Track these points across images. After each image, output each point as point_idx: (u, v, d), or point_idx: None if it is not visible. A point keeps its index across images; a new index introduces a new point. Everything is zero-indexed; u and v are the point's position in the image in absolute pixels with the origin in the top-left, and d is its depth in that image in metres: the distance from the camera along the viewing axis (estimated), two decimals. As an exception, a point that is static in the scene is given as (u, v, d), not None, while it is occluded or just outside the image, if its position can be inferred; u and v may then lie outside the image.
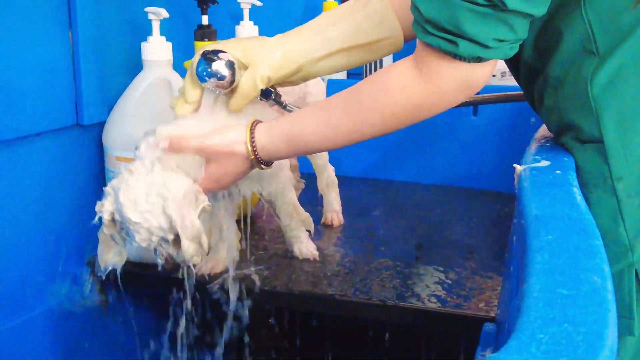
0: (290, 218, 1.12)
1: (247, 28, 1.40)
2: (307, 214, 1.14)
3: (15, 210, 1.03)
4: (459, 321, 0.99)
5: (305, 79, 0.98)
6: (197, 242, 0.89)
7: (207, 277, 1.08)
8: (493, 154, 1.49)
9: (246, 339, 1.21)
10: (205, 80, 0.92)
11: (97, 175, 1.17)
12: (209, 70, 0.92)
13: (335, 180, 1.29)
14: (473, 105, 1.27)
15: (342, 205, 1.32)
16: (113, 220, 0.91)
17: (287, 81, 0.97)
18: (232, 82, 0.93)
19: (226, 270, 1.09)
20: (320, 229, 1.27)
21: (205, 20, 1.27)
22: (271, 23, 1.50)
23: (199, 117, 0.95)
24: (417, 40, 0.78)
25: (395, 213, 1.39)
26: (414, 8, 0.75)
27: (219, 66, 0.92)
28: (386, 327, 1.35)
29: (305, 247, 1.14)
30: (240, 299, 1.09)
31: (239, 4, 1.39)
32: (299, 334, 1.40)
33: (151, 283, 1.14)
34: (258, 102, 0.99)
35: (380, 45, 0.95)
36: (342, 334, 1.40)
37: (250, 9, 1.40)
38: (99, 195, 1.16)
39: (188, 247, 0.88)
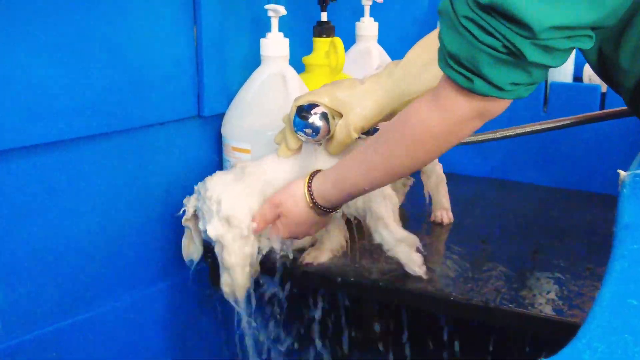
0: (381, 236, 1.05)
1: (367, 24, 1.43)
2: (407, 233, 1.05)
3: (141, 193, 1.11)
4: (575, 330, 0.96)
5: None
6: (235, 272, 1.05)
7: (305, 266, 1.12)
8: (616, 158, 1.43)
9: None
10: (303, 133, 1.02)
11: (215, 164, 1.23)
12: (305, 125, 1.02)
13: (444, 177, 1.28)
14: (583, 123, 1.22)
15: (450, 204, 1.31)
16: (195, 215, 1.05)
17: (384, 121, 1.02)
18: (328, 132, 1.02)
19: (328, 262, 1.13)
20: (427, 227, 1.27)
21: (324, 17, 1.31)
22: (391, 20, 1.52)
23: (299, 159, 1.07)
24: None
25: (508, 213, 1.36)
26: (440, 38, 0.77)
27: (314, 120, 1.01)
28: (491, 330, 1.32)
29: (408, 267, 1.05)
30: (338, 290, 1.11)
31: (359, 0, 1.41)
32: (405, 332, 1.40)
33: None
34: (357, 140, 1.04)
35: None
36: (450, 334, 1.39)
37: (371, 5, 1.42)
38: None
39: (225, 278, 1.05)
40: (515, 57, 0.71)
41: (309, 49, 1.32)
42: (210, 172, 1.21)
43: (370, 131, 1.04)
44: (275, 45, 1.17)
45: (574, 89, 1.46)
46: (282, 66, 1.18)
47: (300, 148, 1.07)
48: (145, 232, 1.13)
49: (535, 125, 1.22)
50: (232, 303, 1.08)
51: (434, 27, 1.58)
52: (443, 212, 1.29)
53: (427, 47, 0.98)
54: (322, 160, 1.05)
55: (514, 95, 0.76)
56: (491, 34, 0.71)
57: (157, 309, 1.16)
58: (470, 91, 0.76)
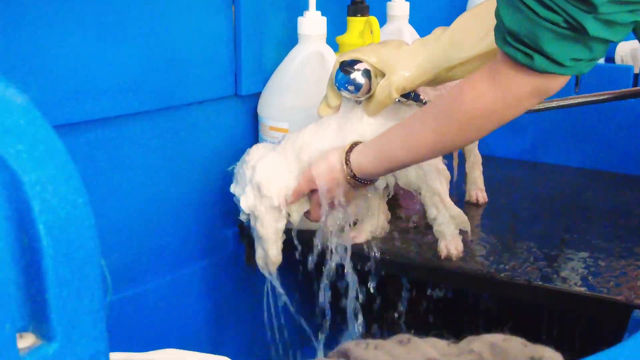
0: (437, 211, 1.05)
1: (398, 3, 1.41)
2: (460, 211, 1.06)
3: (180, 171, 1.11)
4: (608, 306, 0.96)
5: (443, 83, 1.00)
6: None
7: (347, 247, 1.12)
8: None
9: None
10: (344, 89, 1.00)
11: (251, 143, 1.22)
12: (347, 80, 0.99)
13: (480, 158, 1.28)
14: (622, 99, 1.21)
15: (486, 185, 1.31)
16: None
17: (425, 86, 1.00)
18: (369, 90, 1.00)
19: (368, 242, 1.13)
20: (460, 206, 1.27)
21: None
22: (423, 0, 1.51)
23: (337, 118, 1.03)
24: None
25: (542, 194, 1.36)
26: (498, 15, 0.76)
27: (356, 76, 0.99)
28: (526, 308, 1.33)
29: (448, 245, 1.06)
30: (373, 270, 1.12)
31: (391, -20, 1.40)
32: (435, 311, 1.41)
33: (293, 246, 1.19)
34: (395, 103, 1.02)
35: None
36: (483, 313, 1.40)
37: (403, -16, 1.41)
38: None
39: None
40: (577, 31, 0.71)
41: (342, 29, 1.31)
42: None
43: (411, 95, 1.02)
44: (313, 24, 1.17)
45: (606, 70, 1.45)
46: (319, 45, 1.17)
47: (339, 107, 1.04)
48: (184, 211, 1.13)
49: (573, 99, 1.20)
50: (267, 276, 1.08)
51: (464, 8, 1.58)
52: (478, 191, 1.29)
53: (476, 16, 0.97)
54: (362, 128, 1.03)
55: (575, 71, 0.75)
56: (552, 9, 0.70)
57: (196, 288, 1.17)
58: (530, 68, 0.75)
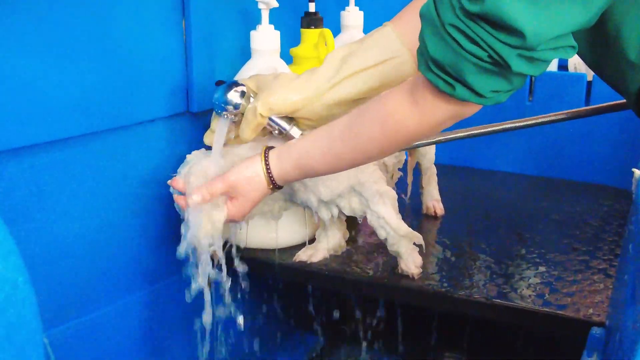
0: (386, 233, 1.04)
1: (352, 13, 1.40)
2: (408, 229, 1.04)
3: (129, 194, 1.07)
4: (566, 324, 0.96)
5: (312, 112, 1.00)
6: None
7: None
8: (604, 147, 1.44)
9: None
10: (220, 108, 1.01)
11: (205, 161, 1.20)
12: (224, 100, 1.00)
13: (435, 171, 1.28)
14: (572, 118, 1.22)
15: (442, 195, 1.31)
16: None
17: (296, 116, 1.01)
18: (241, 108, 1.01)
19: (324, 260, 1.12)
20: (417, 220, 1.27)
21: (312, 7, 1.28)
22: (377, 9, 1.50)
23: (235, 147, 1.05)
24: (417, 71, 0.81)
25: (498, 204, 1.37)
26: (422, 40, 0.77)
27: (232, 96, 1.00)
28: (486, 325, 1.33)
29: (407, 264, 1.06)
30: (333, 287, 1.10)
31: (345, -11, 1.38)
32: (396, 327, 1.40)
33: (254, 266, 1.17)
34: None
35: (387, 67, 0.98)
36: (439, 329, 1.40)
37: (356, -6, 1.40)
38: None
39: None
40: (500, 67, 0.72)
41: (296, 40, 1.29)
42: (201, 169, 1.19)
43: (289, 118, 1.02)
44: (266, 38, 1.14)
45: (559, 78, 1.46)
46: (273, 59, 1.15)
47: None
48: (135, 235, 1.10)
49: (523, 121, 1.20)
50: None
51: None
52: (435, 203, 1.29)
53: (346, 47, 1.01)
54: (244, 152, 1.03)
55: (493, 101, 0.77)
56: (477, 43, 0.71)
57: (145, 314, 1.13)
58: (451, 96, 0.77)
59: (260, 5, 1.13)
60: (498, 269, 1.09)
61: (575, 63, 1.54)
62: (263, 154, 0.96)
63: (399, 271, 1.07)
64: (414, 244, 1.06)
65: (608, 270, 1.08)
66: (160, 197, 1.13)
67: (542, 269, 1.09)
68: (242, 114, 1.01)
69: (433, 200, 1.29)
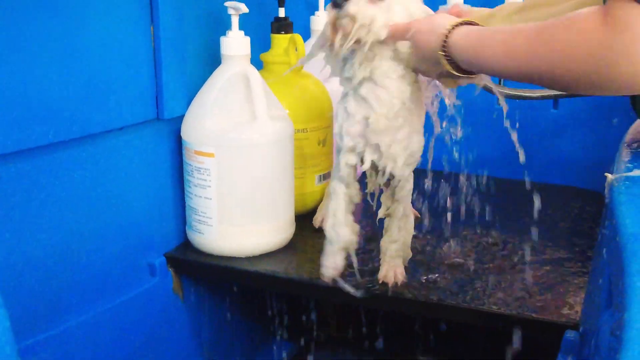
0: (399, 233, 1.04)
1: (322, 18, 1.39)
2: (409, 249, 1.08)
3: (98, 202, 1.05)
4: (538, 327, 0.97)
5: None
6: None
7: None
8: (573, 149, 1.45)
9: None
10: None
11: (176, 169, 1.18)
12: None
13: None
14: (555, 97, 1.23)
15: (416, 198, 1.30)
16: None
17: None
18: None
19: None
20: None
21: (282, 12, 1.27)
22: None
23: None
24: None
25: (465, 207, 1.37)
26: None
27: None
28: (461, 329, 1.33)
29: (393, 271, 1.05)
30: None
31: (314, -6, 1.38)
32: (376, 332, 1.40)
33: (224, 275, 1.16)
34: None
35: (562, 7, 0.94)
36: (411, 332, 1.40)
37: (325, -1, 1.39)
38: (178, 188, 1.19)
39: None
40: None
41: (266, 46, 1.28)
42: (172, 177, 1.18)
43: None
44: (236, 44, 1.13)
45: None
46: (244, 65, 1.14)
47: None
48: (105, 243, 1.08)
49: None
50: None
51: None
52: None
53: None
54: None
55: None
56: None
57: (122, 322, 1.11)
58: None
59: (230, 11, 1.12)
60: (468, 272, 1.09)
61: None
62: (461, 20, 0.88)
63: (379, 277, 1.06)
64: None
65: (580, 273, 1.09)
66: (130, 206, 1.11)
67: (513, 271, 1.09)
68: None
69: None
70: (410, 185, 1.03)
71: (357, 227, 1.03)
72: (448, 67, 0.88)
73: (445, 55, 0.88)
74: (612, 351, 0.55)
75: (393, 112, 0.95)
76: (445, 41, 0.87)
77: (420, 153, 1.01)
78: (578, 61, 0.73)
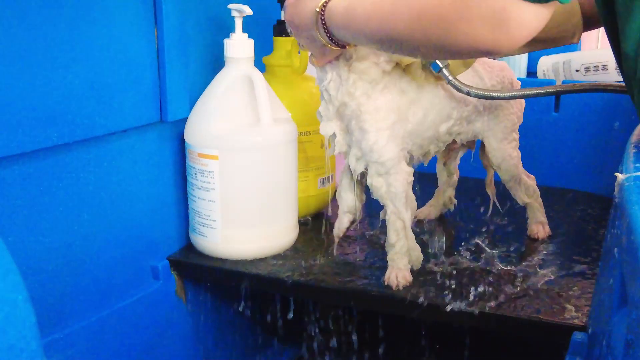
0: (398, 238, 1.04)
1: (323, 22, 1.39)
2: (418, 247, 1.06)
3: (101, 205, 1.05)
4: (545, 328, 0.96)
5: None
6: None
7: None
8: (575, 152, 1.45)
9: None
10: None
11: (179, 172, 1.18)
12: None
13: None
14: (558, 94, 1.22)
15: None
16: None
17: None
18: None
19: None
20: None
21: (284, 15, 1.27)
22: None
23: None
24: None
25: (468, 210, 1.37)
26: None
27: None
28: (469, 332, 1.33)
29: (397, 274, 1.04)
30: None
31: (316, -3, 1.37)
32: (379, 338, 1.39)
33: (227, 278, 1.15)
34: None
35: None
36: (417, 337, 1.39)
37: (327, 2, 1.39)
38: (181, 191, 1.18)
39: None
40: None
41: (268, 49, 1.28)
42: (175, 180, 1.18)
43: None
44: (239, 47, 1.13)
45: (528, 84, 1.47)
46: (247, 67, 1.14)
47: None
48: (109, 246, 1.07)
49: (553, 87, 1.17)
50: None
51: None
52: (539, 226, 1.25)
53: None
54: None
55: None
56: None
57: (125, 325, 1.10)
58: None
59: (234, 13, 1.12)
60: (474, 274, 1.08)
61: (544, 69, 1.56)
62: None
63: (384, 280, 1.05)
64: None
65: (586, 275, 1.08)
66: (133, 209, 1.10)
67: (519, 274, 1.09)
68: None
69: (539, 222, 1.23)
70: (386, 188, 1.02)
71: (364, 196, 1.12)
72: (325, 40, 0.92)
73: (324, 26, 0.91)
74: (630, 348, 0.54)
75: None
76: (322, 14, 0.90)
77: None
78: (427, 19, 0.76)
